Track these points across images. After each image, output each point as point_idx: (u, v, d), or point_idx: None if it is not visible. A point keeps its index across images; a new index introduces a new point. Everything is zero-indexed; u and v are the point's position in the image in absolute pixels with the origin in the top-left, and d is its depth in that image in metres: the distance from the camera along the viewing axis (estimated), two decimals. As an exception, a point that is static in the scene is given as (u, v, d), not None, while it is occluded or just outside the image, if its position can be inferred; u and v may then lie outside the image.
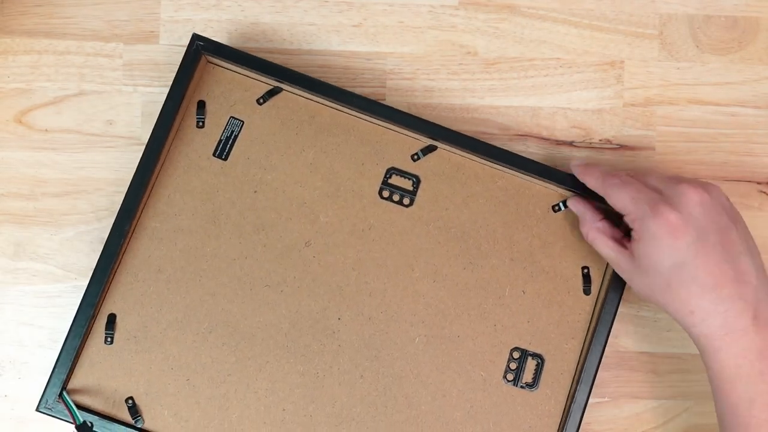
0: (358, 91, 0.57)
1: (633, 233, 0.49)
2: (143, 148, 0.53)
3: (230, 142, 0.54)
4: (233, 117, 0.54)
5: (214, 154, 0.54)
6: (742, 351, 0.46)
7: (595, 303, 0.54)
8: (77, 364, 0.52)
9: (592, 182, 0.52)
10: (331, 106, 0.54)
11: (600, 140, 0.58)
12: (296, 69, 0.55)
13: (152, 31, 0.58)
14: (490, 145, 0.54)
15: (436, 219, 0.54)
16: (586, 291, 0.54)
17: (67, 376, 0.51)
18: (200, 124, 0.54)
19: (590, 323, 0.54)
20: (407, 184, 0.55)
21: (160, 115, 0.52)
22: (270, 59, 0.55)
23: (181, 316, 0.53)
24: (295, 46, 0.58)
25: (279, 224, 0.54)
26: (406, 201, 0.54)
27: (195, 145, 0.54)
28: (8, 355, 0.58)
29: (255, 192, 0.54)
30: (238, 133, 0.54)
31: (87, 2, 0.58)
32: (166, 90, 0.53)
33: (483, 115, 0.58)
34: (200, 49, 0.53)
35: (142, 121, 0.58)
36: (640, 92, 0.59)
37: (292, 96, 0.55)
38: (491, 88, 0.59)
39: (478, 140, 0.54)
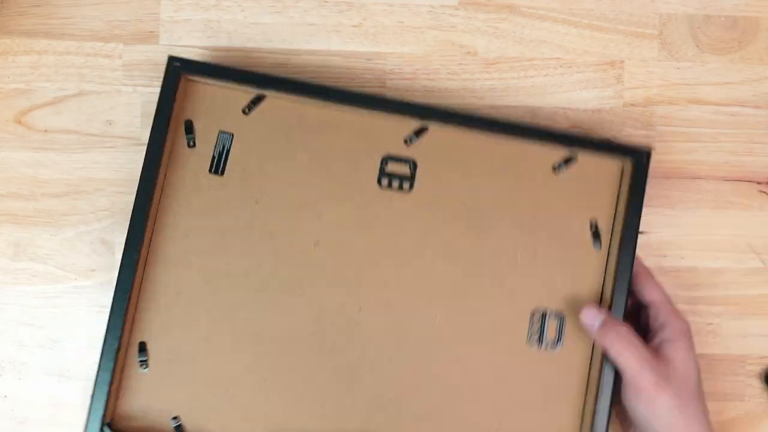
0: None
1: (671, 332, 0.51)
2: (143, 148, 0.53)
3: (223, 157, 0.54)
4: (222, 131, 0.54)
5: (210, 171, 0.54)
6: None
7: (608, 255, 0.54)
8: (120, 395, 0.53)
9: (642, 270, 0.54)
10: (317, 104, 0.54)
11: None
12: (295, 69, 0.55)
13: (152, 32, 0.58)
14: (480, 116, 0.54)
15: (438, 199, 0.55)
16: (597, 245, 0.55)
17: (104, 410, 0.51)
18: (191, 143, 0.54)
19: (605, 275, 0.54)
20: (404, 170, 0.55)
21: (149, 141, 0.52)
22: (270, 59, 0.55)
23: (208, 334, 0.53)
24: (294, 46, 0.58)
25: (285, 230, 0.54)
26: (405, 186, 0.55)
27: (190, 165, 0.54)
28: (8, 356, 0.58)
29: (256, 202, 0.54)
30: (230, 147, 0.54)
31: (86, 2, 0.58)
32: (166, 90, 0.53)
33: (483, 115, 0.58)
34: (178, 69, 0.52)
35: (142, 122, 0.58)
36: (640, 92, 0.59)
37: (276, 101, 0.55)
38: (491, 88, 0.59)
39: (468, 114, 0.54)
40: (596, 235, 0.55)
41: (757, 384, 0.58)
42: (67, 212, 0.58)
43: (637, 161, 0.53)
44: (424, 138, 0.55)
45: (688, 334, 0.51)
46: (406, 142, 0.55)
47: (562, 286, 0.54)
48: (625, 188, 0.54)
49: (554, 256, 0.54)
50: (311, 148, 0.54)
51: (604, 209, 0.55)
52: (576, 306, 0.54)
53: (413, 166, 0.55)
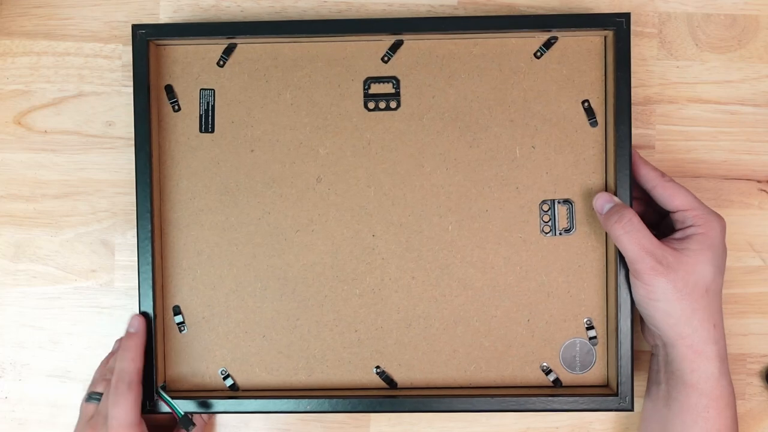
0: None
1: (692, 228, 0.50)
2: (143, 149, 0.53)
3: (210, 114, 0.55)
4: (203, 89, 0.55)
5: (200, 131, 0.55)
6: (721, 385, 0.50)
7: (605, 131, 0.55)
8: (166, 359, 0.55)
9: (649, 172, 0.52)
10: (288, 41, 0.55)
11: (600, 139, 0.58)
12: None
13: (151, 32, 0.58)
14: (450, 18, 0.54)
15: (427, 110, 0.55)
16: (593, 123, 0.55)
17: (155, 375, 0.53)
18: (176, 107, 0.55)
19: (605, 152, 0.55)
20: (388, 88, 0.55)
21: (135, 114, 0.53)
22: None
23: (234, 286, 0.55)
24: (294, 46, 0.58)
25: (285, 172, 0.55)
26: (393, 104, 0.55)
27: (179, 128, 0.55)
28: (9, 357, 0.58)
29: (252, 151, 0.55)
30: (214, 102, 0.55)
31: (86, 3, 0.58)
32: (166, 91, 0.53)
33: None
34: (145, 36, 0.53)
35: (142, 122, 0.58)
36: (640, 91, 0.59)
37: (248, 46, 0.55)
38: (491, 87, 0.59)
39: (438, 17, 0.54)
40: (590, 113, 0.55)
41: (757, 382, 0.58)
42: (67, 213, 0.58)
43: (617, 29, 0.53)
44: (401, 52, 0.55)
45: (711, 233, 0.49)
46: (384, 60, 0.55)
47: (565, 171, 0.55)
48: (610, 60, 0.54)
49: (552, 143, 0.55)
50: (293, 85, 0.55)
51: (594, 86, 0.55)
52: (582, 189, 0.55)
53: (396, 82, 0.55)
